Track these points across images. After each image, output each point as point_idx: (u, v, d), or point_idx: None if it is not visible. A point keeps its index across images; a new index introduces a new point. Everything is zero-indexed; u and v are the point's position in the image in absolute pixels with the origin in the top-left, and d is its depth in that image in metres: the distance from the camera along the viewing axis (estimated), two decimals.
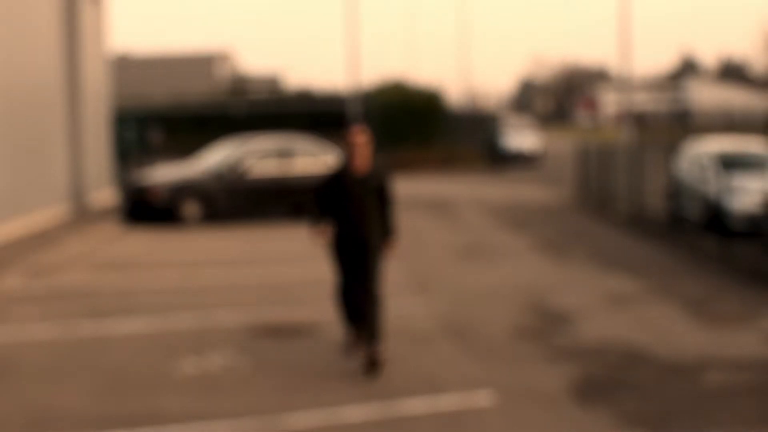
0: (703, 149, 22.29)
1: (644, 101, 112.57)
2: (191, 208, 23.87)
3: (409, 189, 31.94)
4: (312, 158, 24.94)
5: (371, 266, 10.24)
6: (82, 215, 25.00)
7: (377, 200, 10.30)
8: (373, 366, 9.98)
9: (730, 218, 19.41)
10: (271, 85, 74.12)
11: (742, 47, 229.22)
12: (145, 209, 23.90)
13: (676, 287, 15.25)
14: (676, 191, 22.08)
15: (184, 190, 23.91)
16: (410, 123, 43.56)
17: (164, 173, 25.07)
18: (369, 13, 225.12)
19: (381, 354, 10.07)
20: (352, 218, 10.20)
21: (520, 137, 51.40)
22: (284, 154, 24.88)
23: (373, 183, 10.24)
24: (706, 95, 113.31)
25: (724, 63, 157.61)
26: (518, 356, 10.96)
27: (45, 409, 9.15)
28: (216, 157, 25.28)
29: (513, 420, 8.69)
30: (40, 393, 9.69)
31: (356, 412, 8.88)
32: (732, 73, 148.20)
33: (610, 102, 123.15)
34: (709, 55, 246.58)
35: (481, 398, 9.29)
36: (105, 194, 29.38)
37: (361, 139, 10.13)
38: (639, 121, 79.64)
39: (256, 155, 24.66)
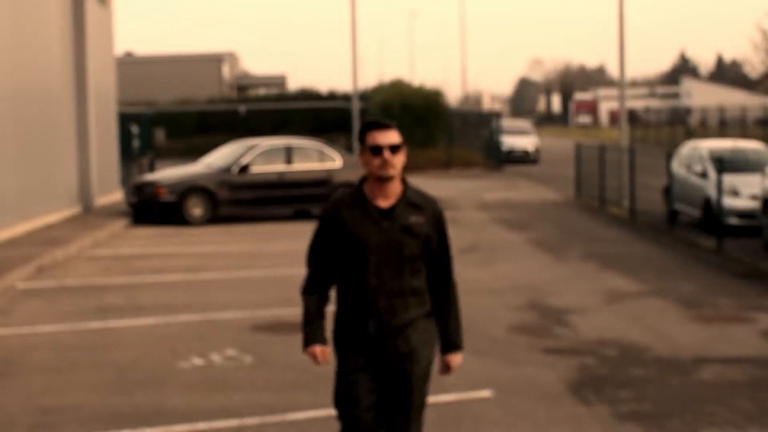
0: (701, 148, 22.47)
1: (641, 101, 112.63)
2: (196, 208, 24.07)
3: None
4: (316, 159, 25.20)
5: (411, 391, 5.82)
6: (89, 216, 25.14)
7: (419, 257, 5.80)
8: None
9: (727, 216, 19.59)
10: (279, 86, 74.00)
11: (740, 48, 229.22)
12: (151, 209, 24.12)
13: (673, 285, 15.39)
14: (673, 190, 22.25)
15: (189, 189, 24.12)
16: (411, 123, 43.37)
17: (169, 173, 25.35)
18: (370, 16, 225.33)
19: None
20: (370, 290, 5.73)
21: (520, 138, 51.52)
22: (289, 154, 25.09)
23: (410, 222, 5.75)
24: (702, 95, 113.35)
25: (721, 63, 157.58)
26: (518, 353, 11.09)
27: (52, 405, 9.27)
28: (221, 158, 25.48)
29: (512, 416, 8.83)
30: (47, 389, 9.81)
31: None
32: (728, 73, 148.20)
33: (608, 102, 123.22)
34: (706, 56, 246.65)
35: (482, 396, 9.43)
36: (111, 195, 29.51)
37: (389, 139, 5.73)
38: (636, 120, 79.70)
39: (261, 156, 24.86)
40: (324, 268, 5.89)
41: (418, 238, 5.74)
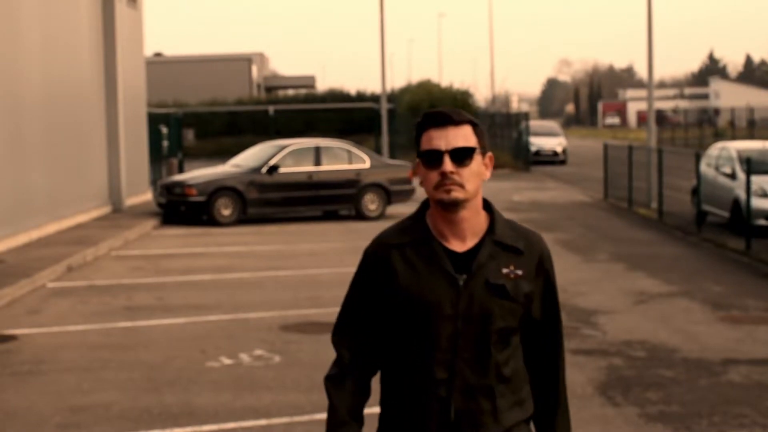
0: (730, 149, 22.40)
1: (670, 102, 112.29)
2: (225, 208, 24.16)
3: None
4: (345, 160, 25.27)
5: None
6: (118, 216, 25.27)
7: (516, 331, 3.62)
8: None
9: (756, 218, 19.52)
10: (308, 87, 74.12)
11: None
12: (180, 209, 24.21)
13: (701, 286, 15.35)
14: (702, 191, 22.16)
15: (218, 189, 24.21)
16: None
17: (199, 173, 25.47)
18: (399, 17, 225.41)
19: None
20: (437, 386, 3.52)
21: (548, 138, 51.48)
22: (317, 155, 25.15)
23: (502, 276, 3.57)
24: (731, 96, 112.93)
25: (750, 63, 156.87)
26: None
27: (81, 404, 9.33)
28: (250, 158, 25.57)
29: None
30: (77, 389, 9.87)
31: None
32: (757, 73, 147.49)
33: (636, 103, 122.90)
34: (735, 56, 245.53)
35: None
36: (141, 195, 29.66)
37: (452, 141, 3.49)
38: (664, 121, 79.43)
39: (290, 156, 24.93)
40: (362, 346, 3.68)
41: (516, 302, 3.57)
